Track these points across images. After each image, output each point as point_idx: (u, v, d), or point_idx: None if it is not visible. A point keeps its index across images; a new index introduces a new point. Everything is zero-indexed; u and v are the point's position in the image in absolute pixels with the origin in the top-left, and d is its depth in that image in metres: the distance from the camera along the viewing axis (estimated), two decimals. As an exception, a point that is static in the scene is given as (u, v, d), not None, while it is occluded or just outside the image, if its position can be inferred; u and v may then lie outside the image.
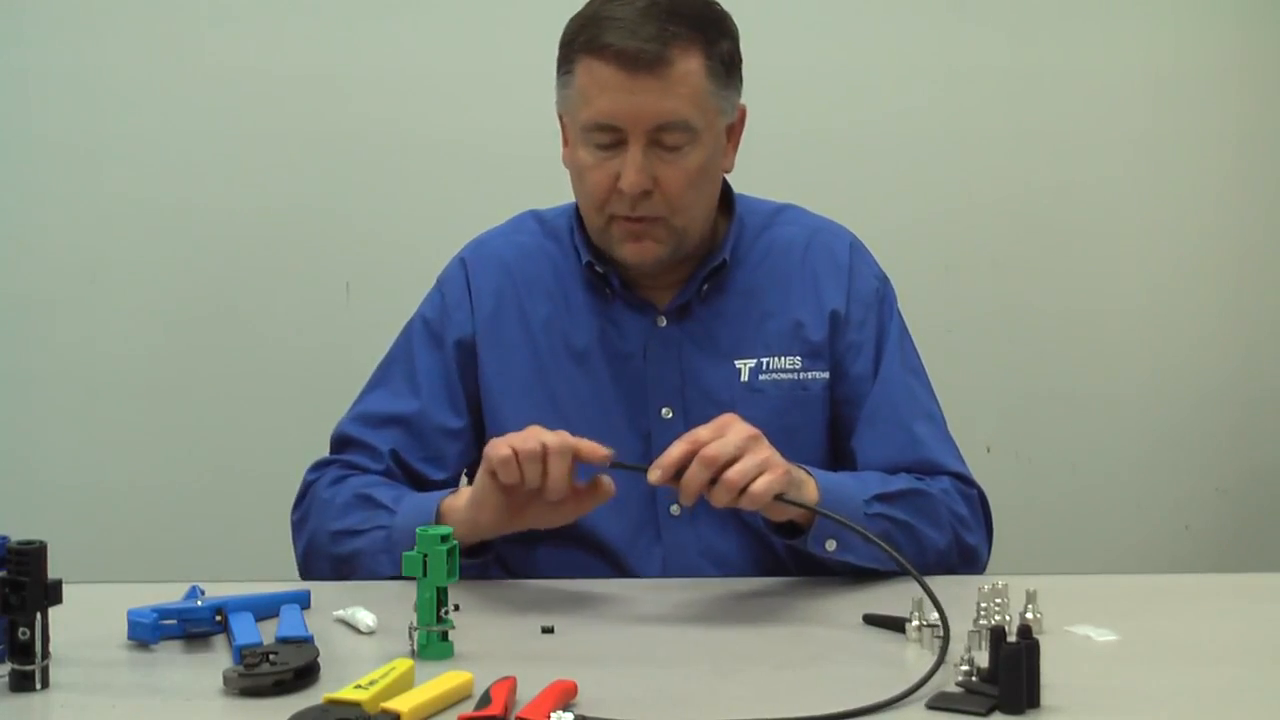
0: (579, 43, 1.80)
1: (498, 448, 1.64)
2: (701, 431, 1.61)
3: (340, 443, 1.94)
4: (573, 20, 1.83)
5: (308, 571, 1.88)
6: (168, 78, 2.91)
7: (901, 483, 1.81)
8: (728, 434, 1.60)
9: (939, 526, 1.82)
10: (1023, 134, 3.00)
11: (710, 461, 1.58)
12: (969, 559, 1.86)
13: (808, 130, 2.93)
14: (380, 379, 1.98)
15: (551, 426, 1.65)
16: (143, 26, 2.90)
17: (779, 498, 1.61)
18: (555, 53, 1.85)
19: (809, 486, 1.69)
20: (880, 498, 1.77)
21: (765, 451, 1.61)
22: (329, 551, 1.84)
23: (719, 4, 1.85)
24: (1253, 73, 3.03)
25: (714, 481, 1.59)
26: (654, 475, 1.61)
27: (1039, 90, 3.00)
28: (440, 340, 1.94)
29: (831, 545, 1.72)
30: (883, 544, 1.60)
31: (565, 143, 1.89)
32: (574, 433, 1.64)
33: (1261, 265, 3.07)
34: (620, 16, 1.77)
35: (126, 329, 2.94)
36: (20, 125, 2.91)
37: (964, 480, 1.89)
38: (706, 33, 1.80)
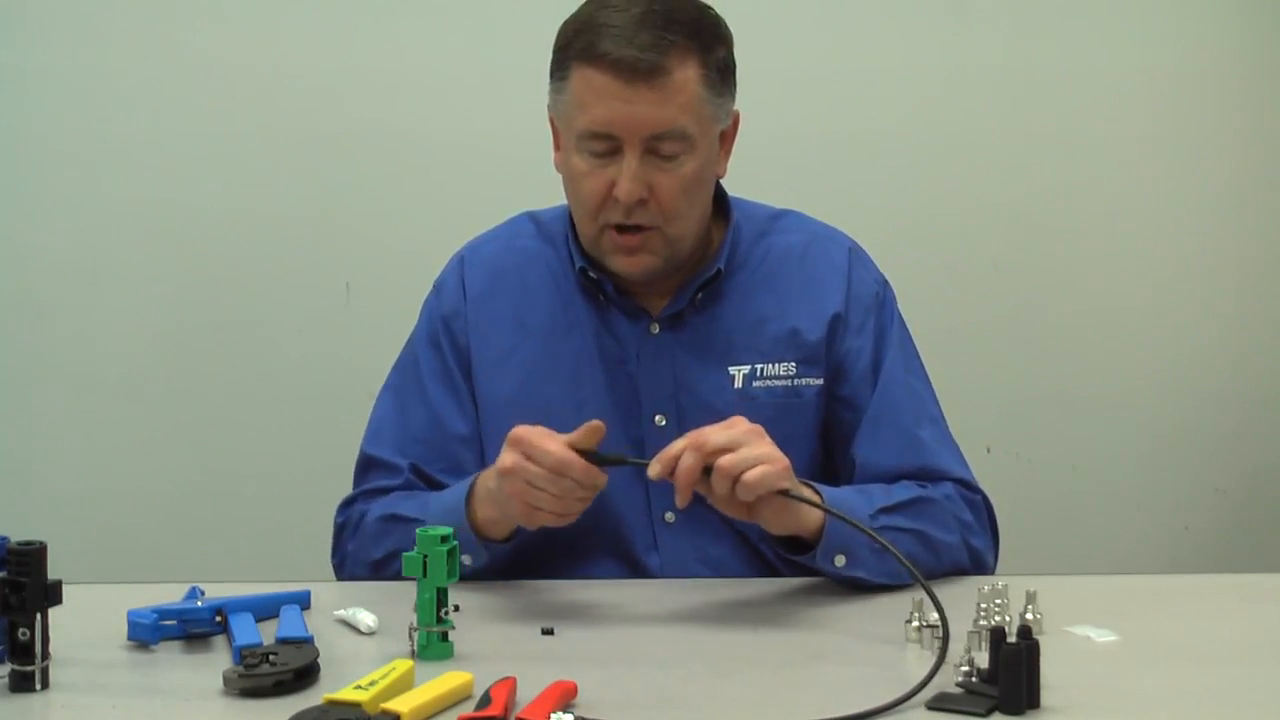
0: (574, 49, 1.78)
1: (518, 500, 1.63)
2: (706, 429, 1.61)
3: (364, 466, 1.95)
4: (567, 25, 1.82)
5: None
6: (167, 78, 2.91)
7: (905, 492, 1.80)
8: (732, 428, 1.61)
9: (948, 530, 1.81)
10: (1023, 135, 3.00)
11: (700, 446, 1.58)
12: (976, 563, 1.85)
13: (807, 132, 2.93)
14: (391, 392, 1.97)
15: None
16: (142, 26, 2.90)
17: (785, 493, 1.61)
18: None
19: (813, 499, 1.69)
20: (886, 509, 1.76)
21: (765, 446, 1.61)
22: (374, 578, 1.84)
23: (713, 10, 1.84)
24: (1253, 73, 3.03)
25: (710, 473, 1.59)
26: (654, 469, 1.61)
27: (1039, 91, 3.00)
28: (441, 346, 1.94)
29: (841, 560, 1.70)
30: (893, 549, 1.59)
31: (557, 147, 1.88)
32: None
33: (1261, 265, 3.07)
34: (616, 24, 1.76)
35: (126, 329, 2.94)
36: (20, 125, 2.91)
37: (967, 486, 1.88)
38: (702, 40, 1.79)
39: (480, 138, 2.91)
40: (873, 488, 1.81)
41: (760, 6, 2.89)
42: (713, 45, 1.81)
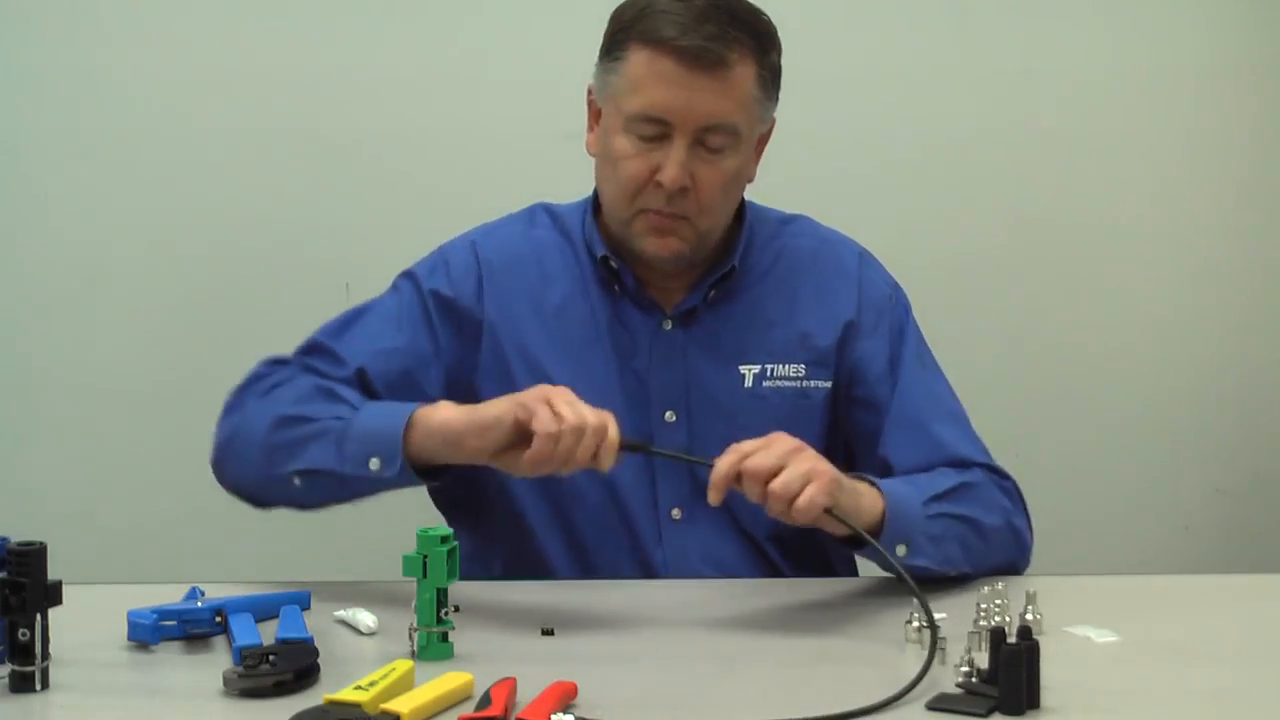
0: (635, 31, 1.79)
1: (543, 404, 1.58)
2: (746, 444, 1.61)
3: (308, 348, 1.89)
4: (624, 8, 1.83)
5: (225, 459, 1.84)
6: (168, 78, 2.90)
7: (947, 479, 1.81)
8: (772, 446, 1.60)
9: (992, 513, 1.82)
10: (1024, 135, 3.00)
11: (756, 476, 1.58)
12: (1020, 544, 1.86)
13: (808, 132, 2.91)
14: (360, 312, 1.92)
15: None
16: (143, 26, 2.90)
17: (828, 512, 1.60)
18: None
19: (866, 496, 1.69)
20: (936, 497, 1.77)
21: (809, 462, 1.60)
22: (265, 438, 1.78)
23: (766, 14, 1.86)
24: (1255, 73, 3.03)
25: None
26: (714, 497, 1.60)
27: (1041, 91, 2.99)
28: (430, 301, 1.90)
29: (902, 550, 1.70)
30: (904, 570, 1.58)
31: (591, 128, 1.88)
32: None
33: (1262, 266, 3.07)
34: (679, 12, 1.77)
35: (126, 329, 2.94)
36: (20, 125, 2.91)
37: (996, 471, 1.89)
38: (761, 41, 1.82)
39: (480, 138, 2.91)
40: (917, 476, 1.81)
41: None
42: (768, 48, 1.84)
